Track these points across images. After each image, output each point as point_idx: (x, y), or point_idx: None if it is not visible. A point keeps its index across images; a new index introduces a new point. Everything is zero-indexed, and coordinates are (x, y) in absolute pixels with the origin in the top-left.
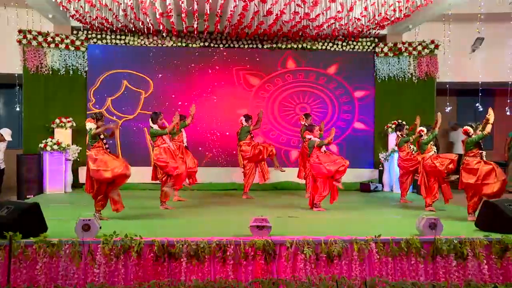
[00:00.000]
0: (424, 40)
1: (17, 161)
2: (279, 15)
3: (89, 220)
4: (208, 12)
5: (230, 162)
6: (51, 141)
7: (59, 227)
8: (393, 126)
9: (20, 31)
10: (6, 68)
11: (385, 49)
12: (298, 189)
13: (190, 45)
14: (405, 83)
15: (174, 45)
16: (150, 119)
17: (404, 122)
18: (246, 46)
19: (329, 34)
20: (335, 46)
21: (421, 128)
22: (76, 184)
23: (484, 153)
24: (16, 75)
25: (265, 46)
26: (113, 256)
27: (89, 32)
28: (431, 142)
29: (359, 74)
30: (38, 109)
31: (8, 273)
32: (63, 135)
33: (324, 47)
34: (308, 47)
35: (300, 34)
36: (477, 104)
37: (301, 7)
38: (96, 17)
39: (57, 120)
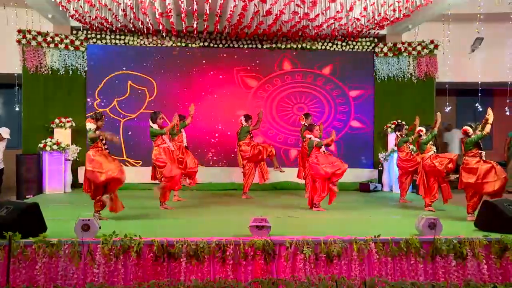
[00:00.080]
0: (423, 40)
1: (17, 161)
2: (278, 15)
3: (89, 220)
4: (208, 12)
5: (229, 162)
6: (50, 141)
7: (58, 227)
8: (393, 126)
9: (19, 31)
10: (5, 68)
11: (385, 49)
12: (297, 189)
13: (190, 45)
14: (404, 83)
15: (174, 45)
16: (149, 118)
17: (403, 122)
18: (245, 46)
19: (329, 34)
20: (334, 46)
21: (420, 128)
22: (75, 184)
23: (483, 153)
24: (16, 75)
25: (264, 46)
26: (112, 256)
27: (89, 32)
28: (430, 142)
29: (357, 74)
30: (38, 109)
31: (7, 273)
32: (62, 135)
33: (323, 47)
34: (308, 47)
35: (299, 34)
36: (476, 104)
37: (301, 7)
38: (96, 17)
39: (57, 120)
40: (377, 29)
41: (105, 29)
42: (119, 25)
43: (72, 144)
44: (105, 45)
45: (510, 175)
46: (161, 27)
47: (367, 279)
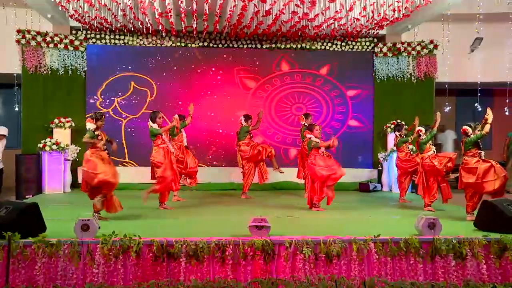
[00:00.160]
0: (423, 40)
1: (16, 161)
2: (278, 15)
3: (88, 220)
4: (207, 12)
5: (229, 162)
6: (50, 141)
7: (58, 227)
8: (392, 126)
9: (19, 31)
10: (5, 68)
11: (384, 49)
12: (297, 189)
13: (189, 45)
14: (404, 83)
15: (173, 45)
16: (149, 118)
17: (403, 122)
18: (245, 46)
19: (328, 34)
20: (334, 46)
21: (420, 128)
22: (75, 184)
23: (483, 153)
24: (15, 75)
25: (264, 46)
26: (112, 256)
27: (88, 32)
28: (430, 142)
29: (357, 74)
30: (37, 109)
31: (6, 273)
32: (62, 135)
33: (323, 47)
34: (307, 47)
35: (299, 34)
36: (476, 104)
37: (300, 7)
38: (95, 17)
39: (56, 120)
40: (377, 29)
41: (104, 29)
42: (119, 25)
43: (71, 144)
44: (104, 45)
45: (510, 175)
46: (160, 27)
47: (367, 279)
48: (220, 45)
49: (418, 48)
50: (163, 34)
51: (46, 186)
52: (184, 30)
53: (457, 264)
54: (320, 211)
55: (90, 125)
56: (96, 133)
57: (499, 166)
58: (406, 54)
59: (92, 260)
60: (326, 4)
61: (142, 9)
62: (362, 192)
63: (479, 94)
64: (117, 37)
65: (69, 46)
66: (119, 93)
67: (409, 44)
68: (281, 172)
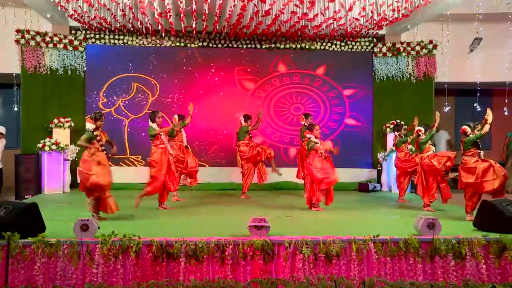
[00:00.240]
0: (422, 40)
1: (15, 161)
2: (277, 15)
3: (88, 220)
4: (207, 12)
5: (228, 162)
6: (49, 141)
7: (57, 227)
8: (391, 126)
9: (18, 31)
10: (4, 68)
11: (384, 49)
12: (296, 189)
13: (189, 45)
14: (403, 83)
15: (173, 45)
16: (148, 118)
17: (402, 122)
18: (244, 46)
19: (328, 34)
20: (333, 46)
21: (419, 128)
22: (74, 184)
23: (482, 152)
24: (14, 75)
25: (263, 46)
26: (111, 256)
27: (88, 32)
28: (429, 142)
29: (356, 74)
30: (36, 109)
31: (6, 273)
32: (61, 135)
33: (322, 47)
34: (307, 47)
35: (298, 34)
36: (475, 104)
37: (299, 7)
38: (95, 17)
39: (55, 120)
40: (376, 29)
41: (104, 29)
42: (118, 25)
43: (70, 144)
44: (104, 45)
45: (509, 175)
46: (160, 27)
47: (366, 279)
48: (220, 45)
49: (418, 48)
50: (163, 34)
51: (46, 186)
52: (183, 30)
53: (457, 264)
54: (320, 211)
55: (89, 125)
56: (95, 133)
57: (498, 165)
58: (406, 54)
59: (91, 260)
60: (326, 4)
61: (141, 9)
62: (361, 192)
63: (478, 94)
64: (116, 37)
65: (68, 46)
66: (122, 94)
67: (408, 44)
68: (279, 174)
